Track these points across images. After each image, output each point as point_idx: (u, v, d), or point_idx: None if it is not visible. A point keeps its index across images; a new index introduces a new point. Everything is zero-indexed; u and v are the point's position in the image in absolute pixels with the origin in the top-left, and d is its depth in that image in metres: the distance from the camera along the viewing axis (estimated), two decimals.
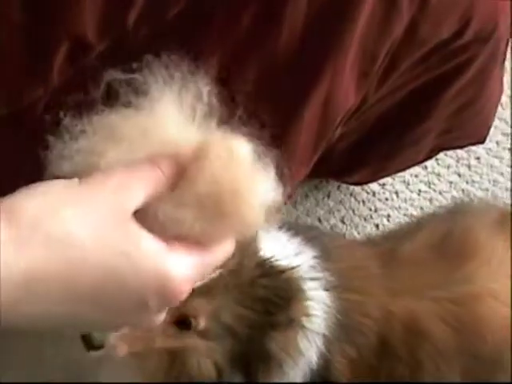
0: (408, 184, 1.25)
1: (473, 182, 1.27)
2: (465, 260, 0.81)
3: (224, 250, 0.50)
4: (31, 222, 0.43)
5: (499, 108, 1.13)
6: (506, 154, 1.29)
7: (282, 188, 0.50)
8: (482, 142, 1.07)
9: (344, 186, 1.22)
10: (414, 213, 1.24)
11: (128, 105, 0.49)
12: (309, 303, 0.74)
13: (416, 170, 1.23)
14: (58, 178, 0.47)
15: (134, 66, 0.49)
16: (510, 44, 0.91)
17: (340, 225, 1.21)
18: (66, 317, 0.45)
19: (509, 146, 1.30)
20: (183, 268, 0.47)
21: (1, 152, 0.67)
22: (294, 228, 0.79)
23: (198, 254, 0.48)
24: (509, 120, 1.31)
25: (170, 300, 0.47)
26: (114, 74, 0.49)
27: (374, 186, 1.23)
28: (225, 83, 0.51)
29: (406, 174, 1.24)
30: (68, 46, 0.62)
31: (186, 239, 0.48)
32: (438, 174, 1.27)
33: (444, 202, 1.24)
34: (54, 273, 0.43)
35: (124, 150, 0.48)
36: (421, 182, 1.26)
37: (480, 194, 1.26)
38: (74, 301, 0.44)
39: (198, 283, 0.53)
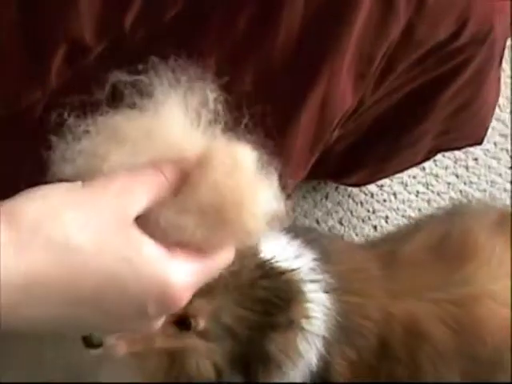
0: (406, 185, 1.25)
1: (471, 182, 1.27)
2: (464, 261, 0.81)
3: (224, 257, 0.50)
4: (32, 226, 0.43)
5: (497, 109, 1.13)
6: (504, 155, 1.29)
7: (284, 197, 0.50)
8: (480, 143, 1.07)
9: (342, 187, 1.22)
10: (412, 214, 1.24)
11: (132, 106, 0.49)
12: (309, 305, 0.74)
13: (414, 171, 1.24)
14: (60, 180, 0.47)
15: (140, 67, 0.49)
16: (507, 45, 0.91)
17: (338, 226, 1.21)
18: (65, 320, 0.45)
19: (506, 147, 1.30)
20: (183, 275, 0.47)
21: (0, 153, 0.67)
22: (293, 230, 0.79)
23: (199, 260, 0.48)
24: (506, 121, 1.31)
25: (170, 306, 0.47)
26: (119, 76, 0.49)
27: (371, 187, 1.23)
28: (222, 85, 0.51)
29: (404, 176, 1.24)
30: (66, 48, 0.63)
31: (188, 246, 0.48)
32: (436, 175, 1.27)
33: (442, 203, 1.24)
34: (54, 276, 0.43)
35: (127, 151, 0.48)
36: (419, 183, 1.26)
37: (478, 194, 1.26)
38: (74, 304, 0.44)
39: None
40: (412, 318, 0.78)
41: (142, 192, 0.47)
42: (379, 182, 1.22)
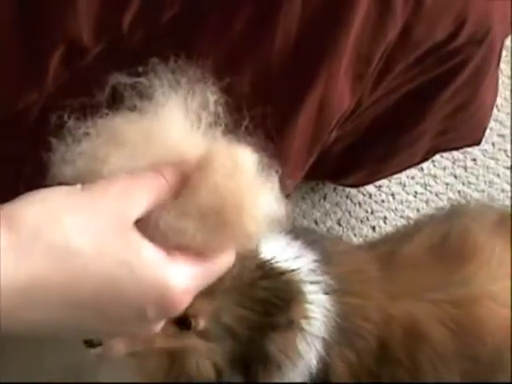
0: (404, 186, 1.25)
1: (469, 183, 1.27)
2: (463, 262, 0.81)
3: (225, 261, 0.50)
4: (31, 230, 0.43)
5: (495, 110, 1.13)
6: (502, 156, 1.29)
7: (285, 200, 0.50)
8: (478, 143, 1.07)
9: (340, 188, 1.22)
10: (411, 215, 1.24)
11: (133, 108, 0.49)
12: (308, 306, 0.74)
13: (412, 171, 1.24)
14: (60, 182, 0.47)
15: (140, 69, 0.49)
16: (507, 46, 0.91)
17: (336, 227, 1.21)
18: (65, 323, 0.45)
19: (504, 147, 1.30)
20: (183, 278, 0.47)
21: None
22: (294, 231, 0.79)
23: (199, 264, 0.48)
24: (504, 122, 1.31)
25: (169, 310, 0.47)
26: (119, 78, 0.49)
27: (370, 188, 1.23)
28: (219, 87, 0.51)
29: (403, 176, 1.24)
30: (63, 48, 0.62)
31: (187, 249, 0.48)
32: (435, 176, 1.27)
33: (440, 204, 1.24)
34: (53, 281, 0.43)
35: (127, 154, 0.48)
36: (417, 183, 1.26)
37: (476, 195, 1.26)
38: (74, 308, 0.44)
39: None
40: (411, 319, 0.78)
41: (141, 195, 0.47)
42: (377, 183, 1.22)
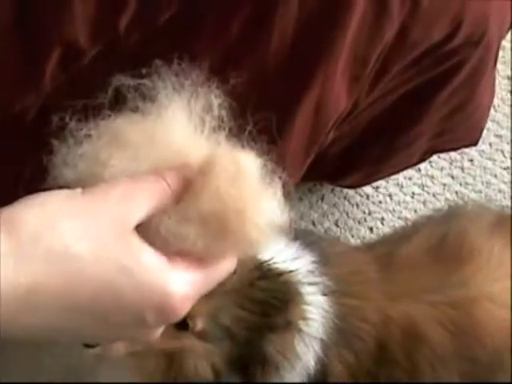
0: (402, 187, 1.26)
1: (466, 184, 1.27)
2: (461, 264, 0.81)
3: (226, 267, 0.50)
4: (31, 236, 0.42)
5: (492, 110, 1.13)
6: (499, 156, 1.29)
7: (288, 206, 0.49)
8: (475, 144, 1.07)
9: (338, 189, 1.22)
10: (408, 215, 1.24)
11: (135, 110, 0.49)
12: (306, 307, 0.74)
13: (409, 172, 1.24)
14: (60, 186, 0.47)
15: (143, 71, 0.49)
16: (501, 46, 0.91)
17: (334, 228, 1.21)
18: (64, 328, 0.45)
19: (502, 148, 1.30)
20: (184, 284, 0.46)
21: None
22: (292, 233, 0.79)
23: (200, 270, 0.48)
24: (501, 122, 1.31)
25: (169, 316, 0.47)
26: (122, 79, 0.48)
27: (367, 188, 1.23)
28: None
29: (400, 177, 1.24)
30: (60, 51, 0.62)
31: (188, 255, 0.47)
32: (432, 177, 1.27)
33: (438, 205, 1.24)
34: (53, 286, 0.43)
35: (129, 155, 0.47)
36: (414, 184, 1.26)
37: (473, 195, 1.26)
38: (73, 313, 0.44)
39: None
40: (410, 321, 0.78)
41: (143, 199, 0.46)
42: (375, 184, 1.22)
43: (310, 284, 0.75)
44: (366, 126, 0.90)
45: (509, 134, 1.30)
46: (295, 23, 0.66)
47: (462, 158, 1.28)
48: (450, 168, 1.28)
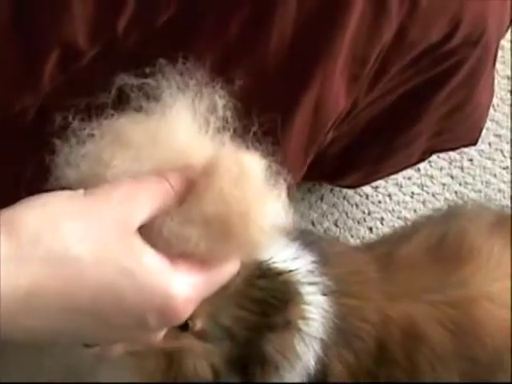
0: (401, 186, 1.26)
1: (466, 183, 1.27)
2: (460, 263, 0.81)
3: (229, 269, 0.49)
4: (32, 236, 0.42)
5: (491, 110, 1.13)
6: (499, 156, 1.29)
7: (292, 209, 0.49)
8: (474, 143, 1.07)
9: (337, 189, 1.22)
10: (408, 215, 1.24)
11: (139, 109, 0.48)
12: (306, 307, 0.73)
13: (409, 172, 1.24)
14: (63, 186, 0.47)
15: (147, 70, 0.48)
16: (500, 46, 0.91)
17: (333, 228, 1.21)
18: (64, 330, 0.45)
19: (501, 147, 1.30)
20: (186, 287, 0.46)
21: None
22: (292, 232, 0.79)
23: (202, 273, 0.47)
24: (501, 122, 1.31)
25: (171, 319, 0.46)
26: (125, 78, 0.48)
27: (366, 188, 1.23)
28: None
29: (399, 177, 1.24)
30: (59, 52, 0.62)
31: (191, 257, 0.47)
32: (431, 176, 1.27)
33: (437, 204, 1.24)
34: (53, 288, 0.43)
35: (132, 155, 0.47)
36: (414, 184, 1.26)
37: (473, 195, 1.26)
38: (73, 314, 0.44)
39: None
40: (410, 321, 0.78)
41: (145, 200, 0.46)
42: (374, 184, 1.22)
43: (310, 284, 0.75)
44: (365, 125, 0.90)
45: (508, 133, 1.31)
46: (294, 23, 0.66)
47: (462, 157, 1.28)
48: (449, 168, 1.28)
